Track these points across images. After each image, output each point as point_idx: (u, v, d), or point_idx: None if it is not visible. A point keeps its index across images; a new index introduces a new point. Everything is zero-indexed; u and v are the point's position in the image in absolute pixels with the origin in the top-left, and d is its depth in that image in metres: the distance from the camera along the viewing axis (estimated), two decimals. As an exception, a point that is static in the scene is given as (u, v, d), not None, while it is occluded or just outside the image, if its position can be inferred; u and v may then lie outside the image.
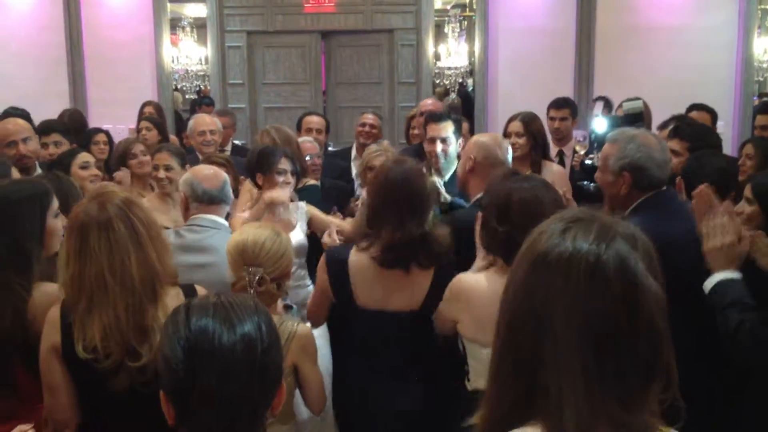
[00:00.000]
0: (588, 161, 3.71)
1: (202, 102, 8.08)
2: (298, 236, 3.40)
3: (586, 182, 3.56)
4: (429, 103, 5.21)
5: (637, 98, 4.21)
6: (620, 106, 4.34)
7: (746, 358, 2.25)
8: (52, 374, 2.12)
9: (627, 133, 2.82)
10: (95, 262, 2.06)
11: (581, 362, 1.06)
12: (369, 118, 5.33)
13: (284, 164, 3.52)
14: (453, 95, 8.90)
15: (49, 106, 7.11)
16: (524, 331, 1.10)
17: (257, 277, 2.44)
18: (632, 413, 1.07)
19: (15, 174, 3.29)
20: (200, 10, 8.39)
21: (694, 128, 3.57)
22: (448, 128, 3.95)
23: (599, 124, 3.84)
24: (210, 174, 3.08)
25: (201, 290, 2.30)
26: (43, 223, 2.35)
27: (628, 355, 1.08)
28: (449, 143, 3.91)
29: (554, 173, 4.11)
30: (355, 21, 8.23)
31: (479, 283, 2.38)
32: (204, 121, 5.03)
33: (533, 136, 4.19)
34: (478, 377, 2.35)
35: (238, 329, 1.34)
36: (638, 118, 3.75)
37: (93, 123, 7.29)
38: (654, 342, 1.10)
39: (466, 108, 8.49)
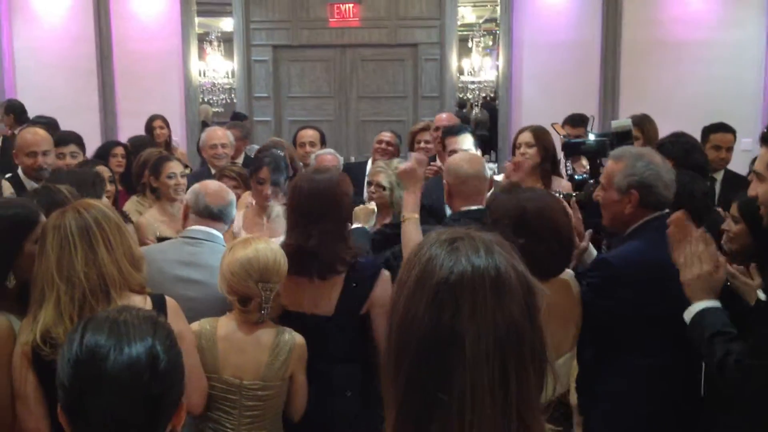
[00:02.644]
0: (578, 176, 3.68)
1: (238, 117, 8.16)
2: None
3: (558, 191, 3.51)
4: (444, 117, 5.22)
5: (629, 117, 4.17)
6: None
7: (735, 391, 2.16)
8: (23, 382, 2.14)
9: (632, 150, 2.76)
10: (47, 260, 2.14)
11: (489, 377, 1.08)
12: (386, 135, 5.32)
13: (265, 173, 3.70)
14: (476, 110, 8.93)
15: (80, 118, 7.26)
16: (430, 356, 1.10)
17: (273, 293, 2.46)
18: (531, 425, 1.11)
19: (6, 188, 3.27)
20: (227, 25, 8.52)
21: (678, 146, 3.51)
22: (466, 141, 4.04)
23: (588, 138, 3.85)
24: (218, 190, 3.03)
25: (170, 301, 2.32)
26: (20, 247, 2.31)
27: (531, 364, 1.11)
28: None
29: (563, 188, 4.10)
30: (379, 35, 8.30)
31: None
32: (216, 135, 5.07)
33: (544, 148, 4.17)
34: None
35: (126, 352, 1.30)
36: (627, 136, 3.66)
37: (122, 134, 7.42)
38: (544, 342, 1.14)
39: (493, 122, 8.52)
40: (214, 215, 2.95)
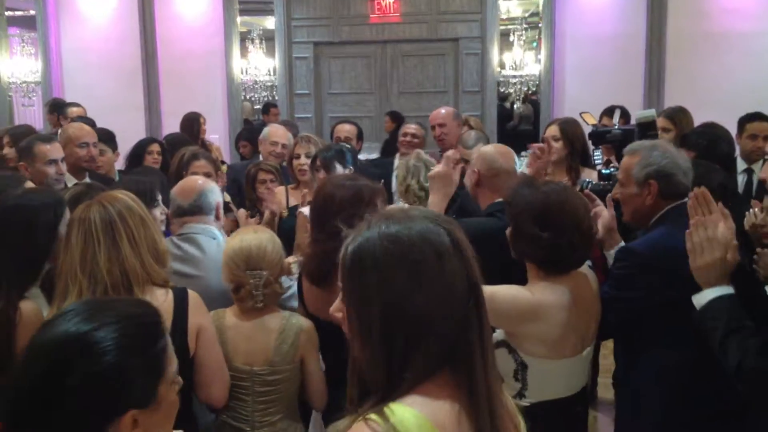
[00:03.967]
0: (605, 171, 3.62)
1: (270, 106, 8.30)
2: None
3: (586, 180, 3.46)
4: (412, 127, 5.20)
5: (652, 108, 4.08)
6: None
7: (752, 394, 2.07)
8: None
9: (644, 143, 2.73)
10: (71, 254, 2.18)
11: (487, 332, 1.24)
12: (411, 128, 5.28)
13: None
14: (518, 104, 8.83)
15: (125, 117, 7.42)
16: (466, 314, 1.20)
17: (263, 280, 2.51)
18: None
19: (28, 184, 3.37)
20: (269, 23, 8.61)
21: (703, 137, 3.43)
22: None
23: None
24: (185, 186, 3.04)
25: (192, 294, 2.35)
26: (55, 231, 2.40)
27: None
28: None
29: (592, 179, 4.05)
30: (419, 30, 8.29)
31: (549, 297, 2.33)
32: (279, 134, 5.12)
33: (570, 142, 4.09)
34: (539, 390, 2.36)
35: (63, 326, 1.26)
36: (651, 127, 3.56)
37: (166, 132, 7.53)
38: None
39: (537, 117, 8.44)
40: (185, 211, 2.95)
